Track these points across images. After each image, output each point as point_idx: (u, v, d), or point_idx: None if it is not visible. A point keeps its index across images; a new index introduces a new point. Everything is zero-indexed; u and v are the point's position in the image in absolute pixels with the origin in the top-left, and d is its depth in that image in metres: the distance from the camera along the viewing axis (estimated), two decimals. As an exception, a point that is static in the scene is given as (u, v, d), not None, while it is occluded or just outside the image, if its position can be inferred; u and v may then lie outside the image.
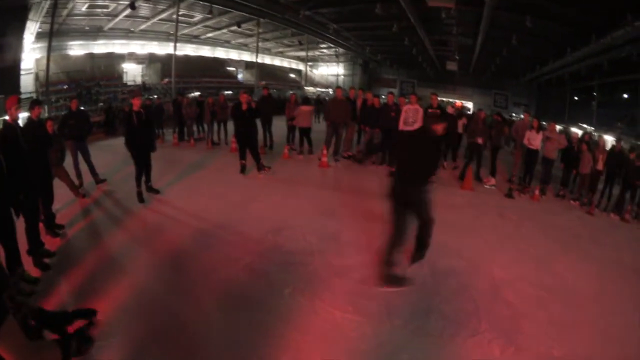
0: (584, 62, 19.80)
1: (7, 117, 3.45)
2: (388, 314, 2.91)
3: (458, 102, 18.60)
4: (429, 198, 3.32)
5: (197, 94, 17.42)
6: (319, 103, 17.15)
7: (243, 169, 6.66)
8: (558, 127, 8.29)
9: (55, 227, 4.17)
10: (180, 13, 17.62)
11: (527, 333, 2.85)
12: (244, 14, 18.93)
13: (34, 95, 15.43)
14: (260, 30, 22.59)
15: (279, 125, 9.31)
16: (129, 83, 21.52)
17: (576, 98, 28.71)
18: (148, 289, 3.14)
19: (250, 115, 6.49)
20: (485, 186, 7.34)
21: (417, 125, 7.08)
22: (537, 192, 7.03)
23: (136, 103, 5.19)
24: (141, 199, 5.18)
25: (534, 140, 7.20)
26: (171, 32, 19.80)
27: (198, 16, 19.94)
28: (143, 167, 5.28)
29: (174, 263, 3.60)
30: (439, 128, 3.21)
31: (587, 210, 6.75)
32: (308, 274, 3.45)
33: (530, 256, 4.26)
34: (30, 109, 4.09)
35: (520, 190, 7.25)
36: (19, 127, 3.46)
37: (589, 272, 4.03)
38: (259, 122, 7.78)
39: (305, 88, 30.82)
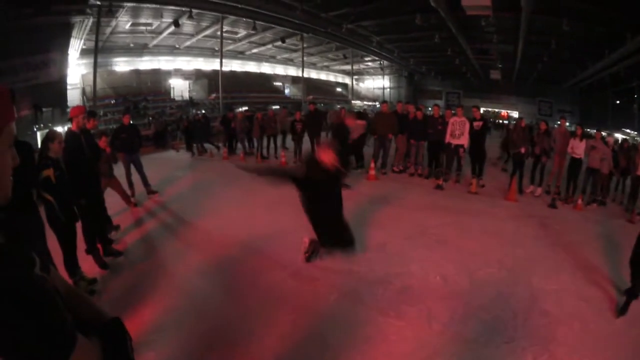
0: (622, 63, 18.79)
1: (71, 126, 3.66)
2: (428, 319, 2.95)
3: (503, 112, 17.56)
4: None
5: (244, 108, 17.57)
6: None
7: None
8: (602, 134, 7.71)
9: (112, 227, 4.47)
10: (224, 29, 17.96)
11: (563, 342, 2.81)
12: (287, 29, 19.27)
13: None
14: (305, 45, 22.87)
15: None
16: (176, 98, 22.22)
17: (618, 102, 26.92)
18: (197, 290, 3.28)
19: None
20: (534, 196, 7.10)
21: (463, 138, 7.03)
22: (580, 201, 6.65)
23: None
24: None
25: (577, 148, 6.85)
26: (216, 49, 20.23)
27: (242, 32, 20.36)
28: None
29: (222, 268, 3.72)
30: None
31: (627, 219, 6.26)
32: (353, 281, 3.48)
33: (570, 266, 4.08)
34: (87, 120, 4.32)
35: (564, 200, 6.91)
36: (84, 135, 3.62)
37: (627, 283, 3.75)
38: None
39: (352, 102, 30.60)
